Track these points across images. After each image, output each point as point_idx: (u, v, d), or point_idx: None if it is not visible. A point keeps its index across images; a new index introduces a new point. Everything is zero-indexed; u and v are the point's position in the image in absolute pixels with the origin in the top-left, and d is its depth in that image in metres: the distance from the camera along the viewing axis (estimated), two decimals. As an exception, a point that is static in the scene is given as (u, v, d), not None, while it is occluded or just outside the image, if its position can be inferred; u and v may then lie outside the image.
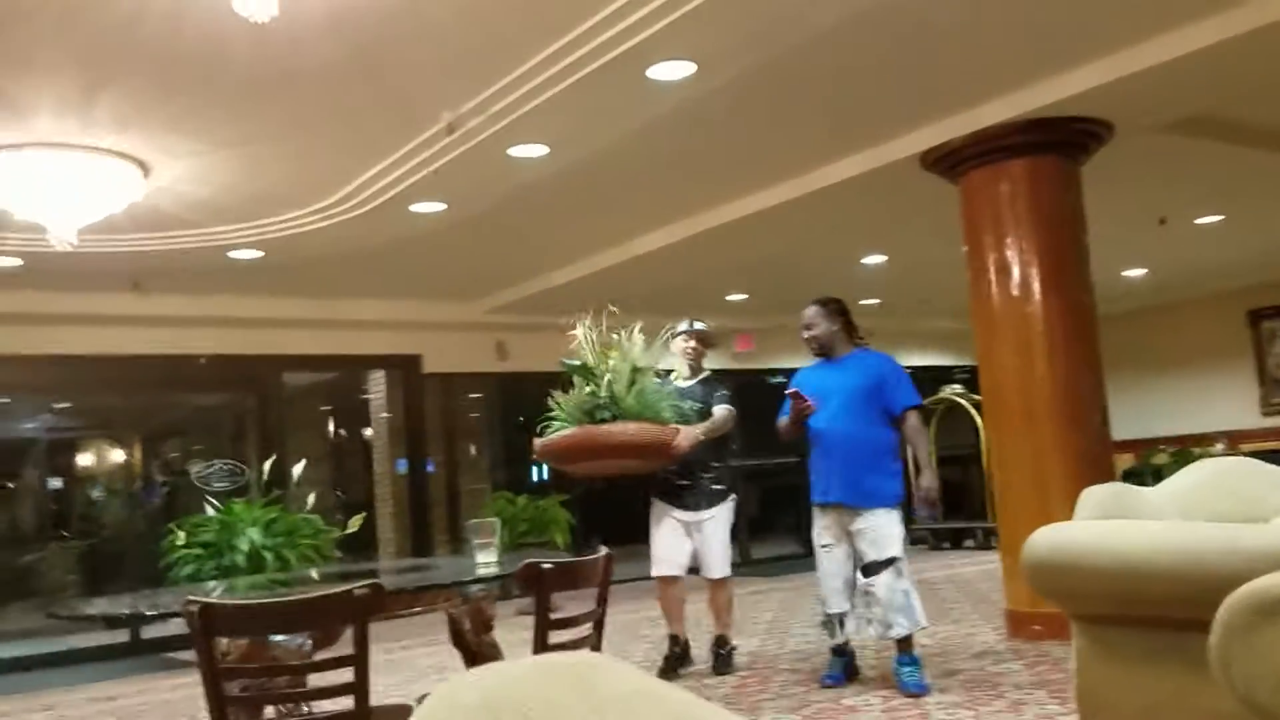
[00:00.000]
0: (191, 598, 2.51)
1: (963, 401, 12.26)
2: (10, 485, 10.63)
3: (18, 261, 7.16)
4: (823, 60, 4.95)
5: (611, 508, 12.38)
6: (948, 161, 6.06)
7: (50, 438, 10.97)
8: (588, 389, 4.80)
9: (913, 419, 4.92)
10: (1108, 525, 3.13)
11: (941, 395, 12.71)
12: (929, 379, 13.51)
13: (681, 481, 5.47)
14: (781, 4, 4.28)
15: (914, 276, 10.44)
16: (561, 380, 5.01)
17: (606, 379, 4.74)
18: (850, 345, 5.11)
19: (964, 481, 13.75)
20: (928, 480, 5.04)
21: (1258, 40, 4.72)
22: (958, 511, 13.16)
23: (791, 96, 5.43)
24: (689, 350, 5.70)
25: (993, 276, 5.91)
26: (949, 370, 13.56)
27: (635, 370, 4.84)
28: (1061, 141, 5.78)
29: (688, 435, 4.95)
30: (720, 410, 5.41)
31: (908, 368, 15.55)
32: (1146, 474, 11.14)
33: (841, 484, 4.88)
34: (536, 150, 5.76)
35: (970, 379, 11.50)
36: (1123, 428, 11.56)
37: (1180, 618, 2.87)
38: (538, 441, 4.89)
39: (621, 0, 4.19)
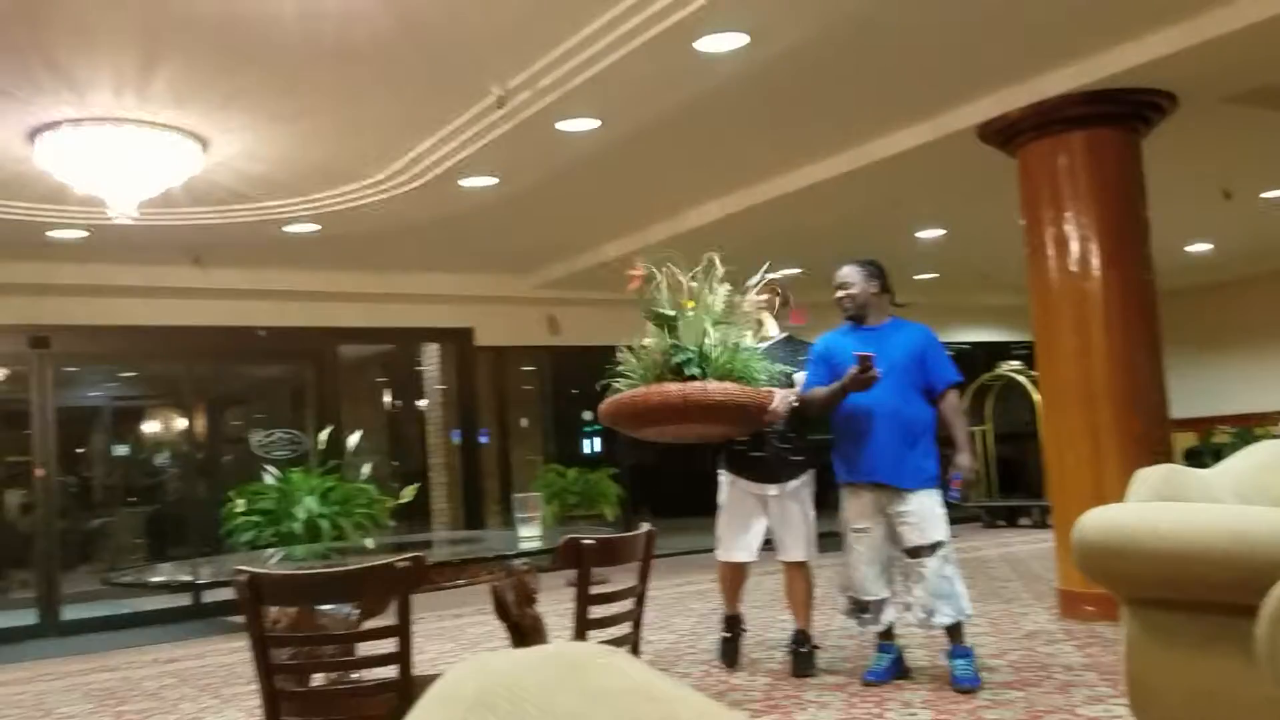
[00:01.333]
0: (240, 567, 2.56)
1: (1020, 378, 12.07)
2: (80, 451, 10.94)
3: (83, 233, 7.34)
4: (876, 31, 4.86)
5: (661, 480, 12.45)
6: (1006, 134, 5.93)
7: (116, 406, 11.29)
8: (669, 341, 4.16)
9: (953, 396, 4.61)
10: (1159, 508, 3.07)
11: (999, 371, 12.53)
12: (986, 354, 13.33)
13: (756, 452, 4.87)
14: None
15: (971, 250, 10.27)
16: (610, 354, 4.40)
17: (698, 332, 4.11)
18: (886, 313, 4.69)
19: (1021, 459, 13.58)
20: (966, 460, 4.56)
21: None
22: (1014, 489, 13.01)
23: (845, 67, 5.34)
24: (769, 306, 4.96)
25: (1051, 251, 5.79)
26: (1006, 346, 13.36)
27: (718, 324, 4.22)
28: (1122, 113, 5.63)
29: (784, 399, 4.38)
30: (803, 375, 4.84)
31: (965, 343, 15.42)
32: (1207, 454, 10.89)
33: (885, 463, 4.49)
34: (587, 124, 5.74)
35: (1028, 355, 11.31)
36: (1184, 406, 11.31)
37: (1232, 603, 2.81)
38: (606, 402, 4.21)
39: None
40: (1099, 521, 3.12)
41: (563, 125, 5.72)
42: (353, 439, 7.69)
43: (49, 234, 7.30)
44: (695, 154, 6.73)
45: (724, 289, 4.28)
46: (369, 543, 6.27)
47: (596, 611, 2.89)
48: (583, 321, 10.60)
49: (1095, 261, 5.65)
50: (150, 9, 4.22)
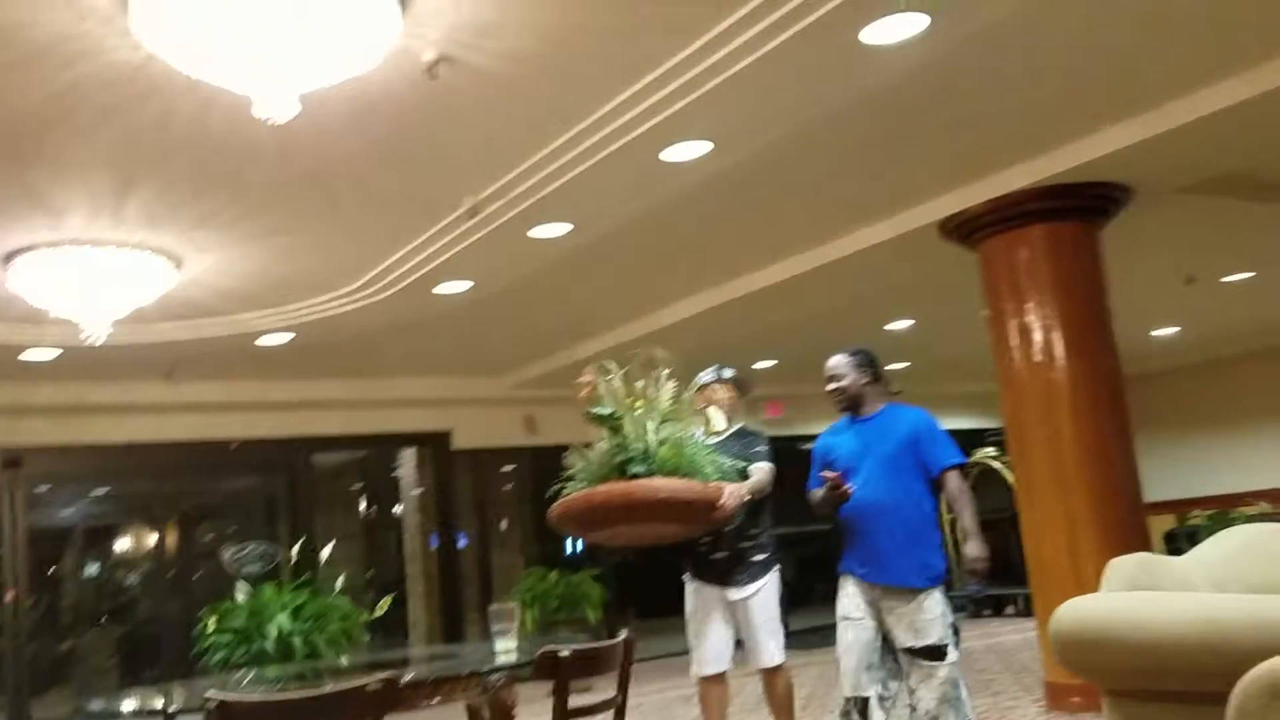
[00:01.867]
0: (210, 694, 2.52)
1: (997, 465, 12.11)
2: (51, 571, 10.73)
3: (56, 353, 7.33)
4: (839, 133, 5.01)
5: (647, 579, 12.28)
6: (966, 229, 6.08)
7: (87, 525, 11.11)
8: (614, 441, 4.07)
9: (954, 480, 4.27)
10: (1132, 598, 3.08)
11: (975, 459, 12.57)
12: (962, 442, 13.34)
13: (718, 554, 4.69)
14: (796, 85, 4.35)
15: (941, 340, 10.41)
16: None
17: (641, 429, 4.02)
18: (880, 400, 4.46)
19: (1004, 546, 13.52)
20: (975, 549, 4.19)
21: (1274, 101, 4.73)
22: (997, 577, 12.91)
23: (810, 168, 5.49)
24: (720, 401, 4.93)
25: (1015, 342, 5.89)
26: (981, 433, 13.43)
27: (665, 421, 4.15)
28: (1080, 206, 5.79)
29: (734, 494, 4.18)
30: (761, 467, 4.68)
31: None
32: (1183, 537, 10.92)
33: (876, 562, 4.22)
34: (558, 229, 5.85)
35: (1002, 441, 11.38)
36: (1162, 488, 11.39)
37: (1210, 691, 2.81)
38: (555, 505, 4.12)
39: (638, 85, 4.28)
40: (1073, 613, 3.13)
41: (534, 232, 5.82)
42: (325, 551, 7.60)
43: (22, 356, 7.29)
44: (665, 254, 6.85)
45: (670, 386, 4.19)
46: (344, 660, 6.14)
47: (576, 725, 2.84)
48: (561, 420, 10.55)
49: (1060, 351, 5.75)
50: (126, 137, 4.31)
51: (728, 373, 5.01)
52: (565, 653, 2.83)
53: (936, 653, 4.10)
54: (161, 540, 9.42)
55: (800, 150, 5.15)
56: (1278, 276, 8.82)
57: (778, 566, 4.86)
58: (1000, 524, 13.19)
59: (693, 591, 4.83)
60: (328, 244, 5.94)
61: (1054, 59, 4.49)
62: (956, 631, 4.21)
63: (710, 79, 4.16)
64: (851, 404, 4.44)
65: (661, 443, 4.01)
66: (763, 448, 4.81)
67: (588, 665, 3.00)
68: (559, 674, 2.77)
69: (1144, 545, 5.56)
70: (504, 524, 12.08)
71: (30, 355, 7.33)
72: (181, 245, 5.66)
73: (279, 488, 9.97)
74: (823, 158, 5.35)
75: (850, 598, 4.31)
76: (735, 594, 4.69)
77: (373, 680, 2.42)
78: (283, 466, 9.70)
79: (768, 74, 4.14)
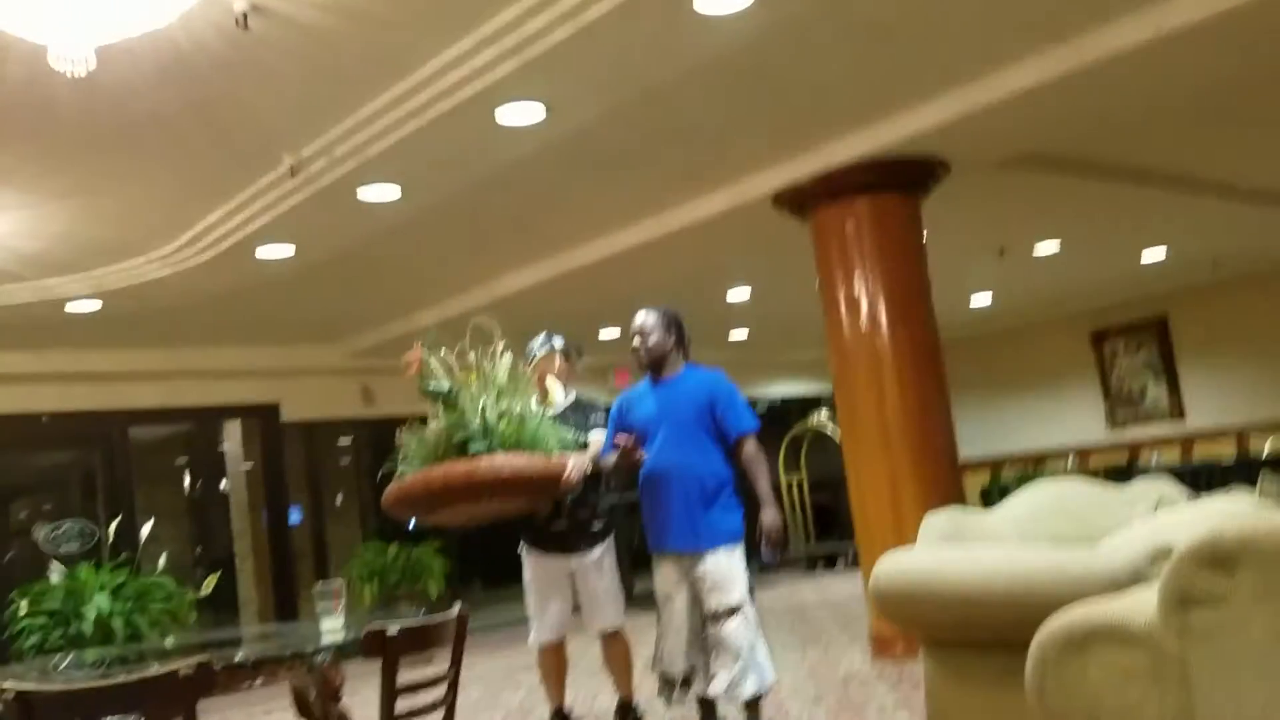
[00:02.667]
0: (5, 685, 2.35)
1: (829, 428, 12.56)
2: None
3: None
4: (675, 103, 5.02)
5: (491, 549, 12.22)
6: (797, 200, 6.22)
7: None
8: (451, 419, 3.95)
9: (749, 446, 4.27)
10: (944, 552, 3.23)
11: (810, 423, 13.02)
12: (799, 407, 13.83)
13: (557, 523, 4.68)
14: (630, 50, 4.33)
15: (778, 309, 10.67)
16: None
17: (478, 405, 3.91)
18: (680, 363, 4.44)
19: (835, 505, 14.09)
20: (771, 517, 4.18)
21: (1075, 80, 4.99)
22: (829, 534, 13.47)
23: (646, 138, 5.49)
24: (561, 368, 4.85)
25: (844, 311, 6.08)
26: (817, 400, 13.91)
27: (502, 395, 4.04)
28: (902, 181, 6.00)
29: (578, 466, 4.10)
30: (598, 435, 4.67)
31: (777, 399, 15.74)
32: (995, 493, 11.59)
33: (677, 528, 4.24)
34: (389, 192, 5.68)
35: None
36: (978, 446, 12.06)
37: (1018, 640, 2.98)
38: (389, 490, 4.01)
39: (467, 41, 4.18)
40: (890, 567, 3.26)
41: (363, 194, 5.63)
42: (145, 528, 7.24)
43: None
44: (502, 223, 6.75)
45: (505, 359, 4.10)
46: (169, 642, 5.87)
47: (405, 704, 2.79)
48: (399, 391, 10.30)
49: (884, 319, 5.97)
50: (-100, 84, 3.93)
51: (558, 342, 4.93)
52: (393, 630, 2.76)
53: (735, 613, 4.14)
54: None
55: (637, 118, 5.15)
56: (1083, 247, 9.40)
57: (612, 533, 4.86)
58: (834, 485, 13.77)
59: (532, 562, 4.82)
60: (138, 204, 5.59)
61: (875, 34, 4.59)
62: (752, 592, 4.28)
63: (543, 38, 4.10)
64: (654, 364, 4.39)
65: (501, 418, 3.91)
66: (600, 415, 4.79)
67: (418, 641, 2.93)
68: (386, 652, 2.71)
69: (959, 500, 5.86)
70: (340, 498, 11.76)
71: None
72: (-26, 205, 5.23)
73: (95, 463, 9.42)
74: (660, 127, 5.36)
75: (664, 575, 4.31)
76: (575, 562, 4.71)
77: (185, 665, 2.30)
78: (98, 440, 9.16)
79: (601, 38, 4.11)
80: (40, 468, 10.66)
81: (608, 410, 4.79)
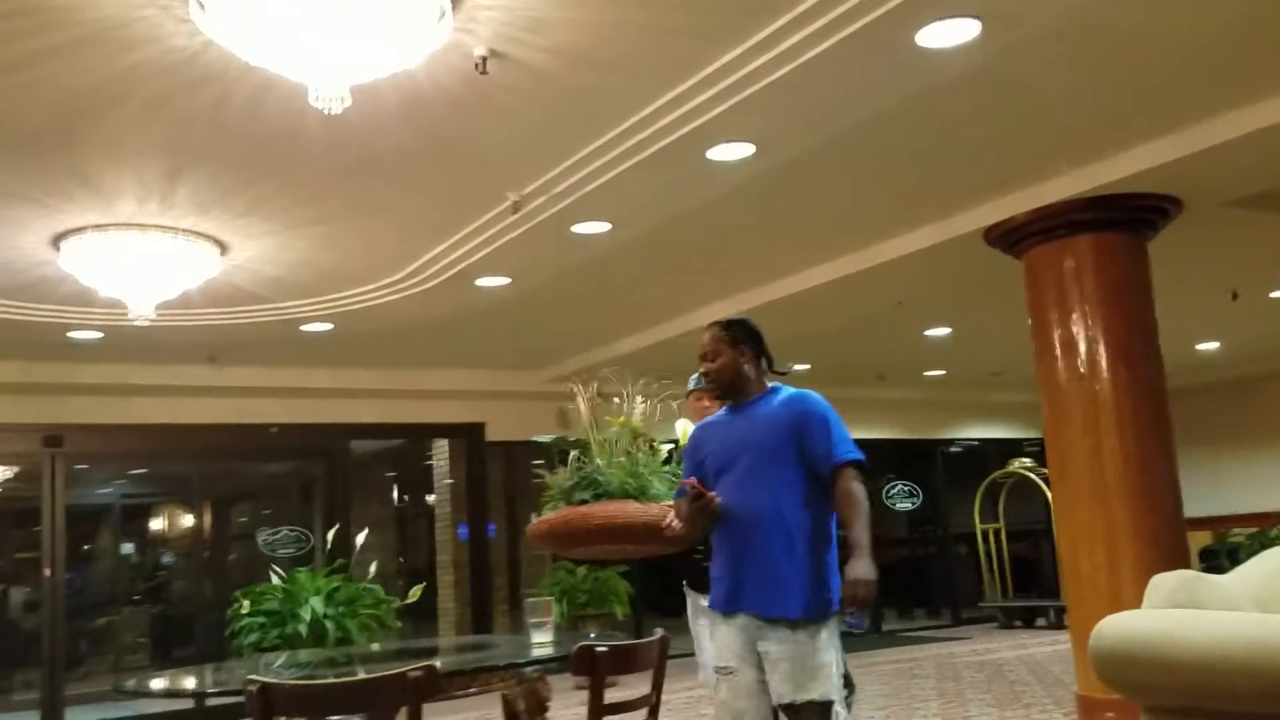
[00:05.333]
0: (252, 678, 2.55)
1: (1033, 476, 12.02)
2: (87, 548, 10.90)
3: (98, 335, 7.45)
4: (886, 136, 4.98)
5: (673, 578, 12.31)
6: (1011, 237, 6.02)
7: (124, 503, 11.27)
8: (576, 464, 4.15)
9: (848, 480, 3.22)
10: (1177, 615, 3.04)
11: (1011, 468, 12.49)
12: (997, 451, 13.30)
13: (708, 562, 4.12)
14: (847, 87, 4.33)
15: (980, 348, 10.33)
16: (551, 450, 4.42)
17: (606, 451, 4.04)
18: (762, 383, 3.49)
19: (1036, 557, 13.45)
20: (863, 569, 3.05)
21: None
22: (1029, 588, 12.85)
23: (853, 172, 5.47)
24: (701, 410, 4.43)
25: (1059, 353, 5.82)
26: (1018, 443, 13.34)
27: (636, 437, 4.11)
28: (1127, 218, 5.72)
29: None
30: None
31: (975, 440, 15.16)
32: (1222, 554, 10.77)
33: (749, 586, 3.23)
34: (598, 227, 5.87)
35: (1041, 451, 11.30)
36: (1198, 505, 11.20)
37: (1254, 713, 2.77)
38: (529, 528, 4.22)
39: (686, 84, 4.28)
40: (1116, 629, 3.10)
41: (576, 229, 5.84)
42: (360, 537, 7.67)
43: (69, 335, 7.41)
44: (704, 255, 6.84)
45: (640, 401, 4.21)
46: (375, 646, 6.19)
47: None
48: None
49: (1104, 363, 5.67)
50: (179, 123, 4.36)
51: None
52: (602, 649, 2.84)
53: (822, 713, 3.10)
54: (197, 521, 9.53)
55: (846, 152, 5.13)
56: (1326, 293, 8.67)
57: None
58: (1034, 535, 13.16)
59: (690, 601, 4.54)
60: (372, 235, 5.99)
61: (1105, 69, 4.44)
62: (850, 686, 3.34)
63: (760, 80, 4.16)
64: (727, 389, 3.47)
65: (610, 466, 4.03)
66: None
67: (623, 662, 3.01)
68: (595, 670, 2.78)
69: (1183, 561, 5.49)
70: (534, 517, 12.11)
71: (76, 335, 7.45)
72: (228, 232, 5.73)
73: (315, 473, 10.08)
74: (869, 160, 5.32)
75: (723, 641, 3.28)
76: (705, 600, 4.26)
77: (413, 667, 2.44)
78: (320, 452, 9.80)
79: (819, 76, 4.13)
80: (263, 475, 11.49)
81: None
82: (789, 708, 3.11)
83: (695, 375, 4.36)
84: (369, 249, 6.23)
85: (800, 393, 3.43)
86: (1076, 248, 5.77)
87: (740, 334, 3.47)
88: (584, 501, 3.97)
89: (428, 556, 11.12)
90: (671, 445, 4.43)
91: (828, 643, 3.14)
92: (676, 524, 3.56)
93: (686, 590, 4.58)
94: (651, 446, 4.28)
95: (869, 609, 3.07)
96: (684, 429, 4.44)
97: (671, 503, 3.75)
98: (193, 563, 9.74)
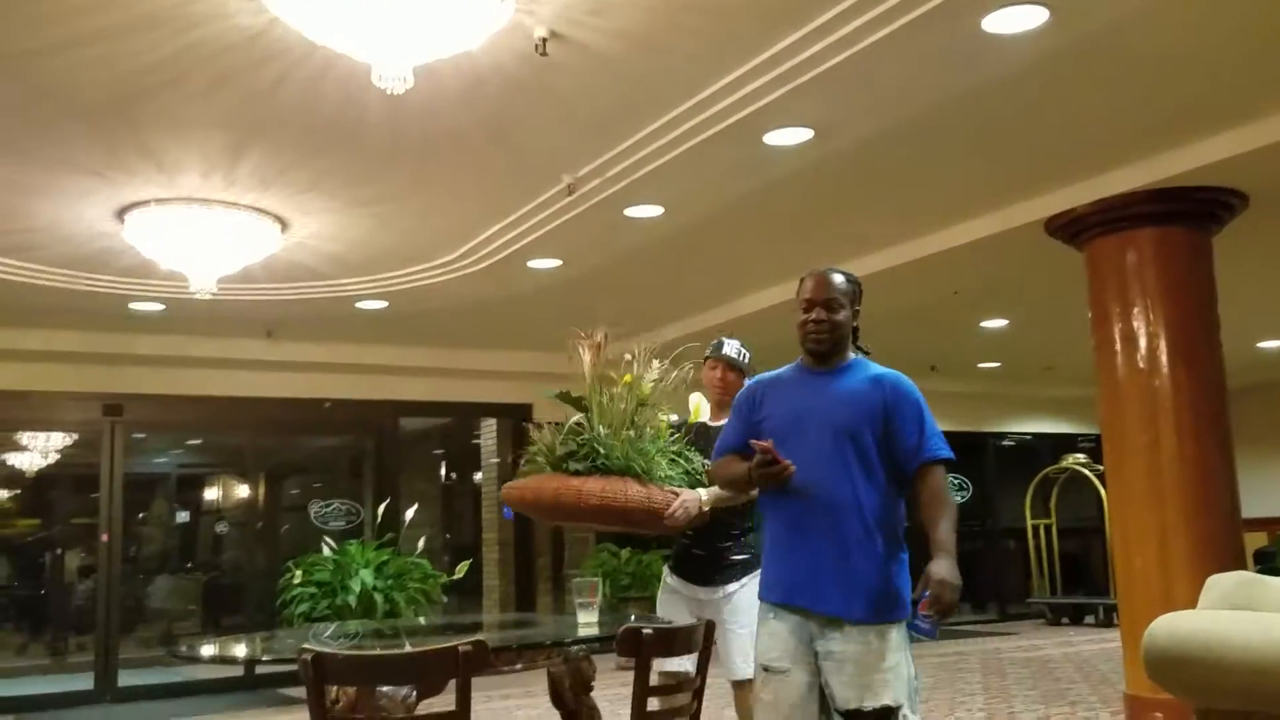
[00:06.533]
0: (305, 646, 2.59)
1: (1086, 472, 11.84)
2: (142, 516, 11.15)
3: (160, 307, 7.59)
4: (942, 126, 4.92)
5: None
6: (1072, 228, 5.92)
7: (180, 473, 11.51)
8: (570, 427, 3.66)
9: (939, 479, 2.92)
10: (1233, 617, 2.98)
11: (1064, 464, 12.32)
12: (1050, 446, 13.12)
13: (697, 549, 3.92)
14: (902, 75, 4.29)
15: (1036, 341, 10.18)
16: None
17: (607, 417, 3.55)
18: (851, 350, 3.10)
19: (1086, 555, 13.26)
20: (946, 570, 2.72)
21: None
22: (1078, 586, 12.69)
23: (913, 159, 5.40)
24: (715, 381, 4.05)
25: (1119, 347, 5.72)
26: (1072, 438, 13.15)
27: (641, 406, 3.63)
28: (1192, 211, 5.59)
29: (688, 505, 3.52)
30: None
31: (1028, 434, 14.98)
32: (1278, 556, 10.55)
33: (814, 580, 2.86)
34: (652, 210, 5.87)
35: (1095, 448, 11.11)
36: (1254, 505, 10.96)
37: (1314, 721, 2.72)
38: (505, 486, 3.82)
39: (742, 69, 4.26)
40: (1170, 629, 3.04)
41: (629, 212, 5.84)
42: (409, 512, 7.77)
43: (131, 306, 7.56)
44: (756, 241, 6.81)
45: (655, 366, 3.72)
46: (422, 620, 6.28)
47: (654, 703, 2.87)
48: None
49: (1164, 359, 5.56)
50: (242, 100, 4.42)
51: (731, 347, 4.09)
52: (648, 631, 2.85)
53: (890, 715, 2.78)
54: (252, 492, 9.71)
55: (906, 139, 5.06)
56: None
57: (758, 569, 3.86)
58: (1085, 532, 12.97)
59: (665, 585, 4.05)
60: (429, 215, 6.03)
61: (1173, 60, 4.34)
62: (916, 691, 2.91)
63: (820, 64, 4.13)
64: (832, 350, 3.03)
65: (623, 429, 3.54)
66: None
67: (669, 645, 3.02)
68: (641, 651, 2.80)
69: (1238, 562, 5.39)
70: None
71: (137, 306, 7.60)
72: (289, 209, 5.81)
73: (366, 448, 10.22)
74: (929, 148, 5.25)
75: (773, 638, 2.91)
76: (706, 594, 3.87)
77: (464, 642, 2.47)
78: (371, 428, 9.93)
79: (881, 61, 4.09)
80: (315, 449, 11.66)
81: None
82: (854, 715, 2.77)
83: (716, 341, 4.09)
84: (425, 228, 6.28)
85: (893, 373, 3.02)
86: (1139, 241, 5.66)
87: (858, 292, 3.09)
88: (578, 473, 3.51)
89: (474, 534, 11.23)
90: (678, 423, 3.97)
91: (899, 643, 2.83)
92: (680, 515, 3.45)
93: (668, 573, 4.05)
94: (659, 421, 3.80)
95: (951, 614, 2.75)
96: (696, 404, 4.13)
97: (674, 489, 3.54)
98: (246, 533, 9.92)
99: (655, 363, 3.71)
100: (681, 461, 3.67)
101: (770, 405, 3.02)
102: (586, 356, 3.79)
